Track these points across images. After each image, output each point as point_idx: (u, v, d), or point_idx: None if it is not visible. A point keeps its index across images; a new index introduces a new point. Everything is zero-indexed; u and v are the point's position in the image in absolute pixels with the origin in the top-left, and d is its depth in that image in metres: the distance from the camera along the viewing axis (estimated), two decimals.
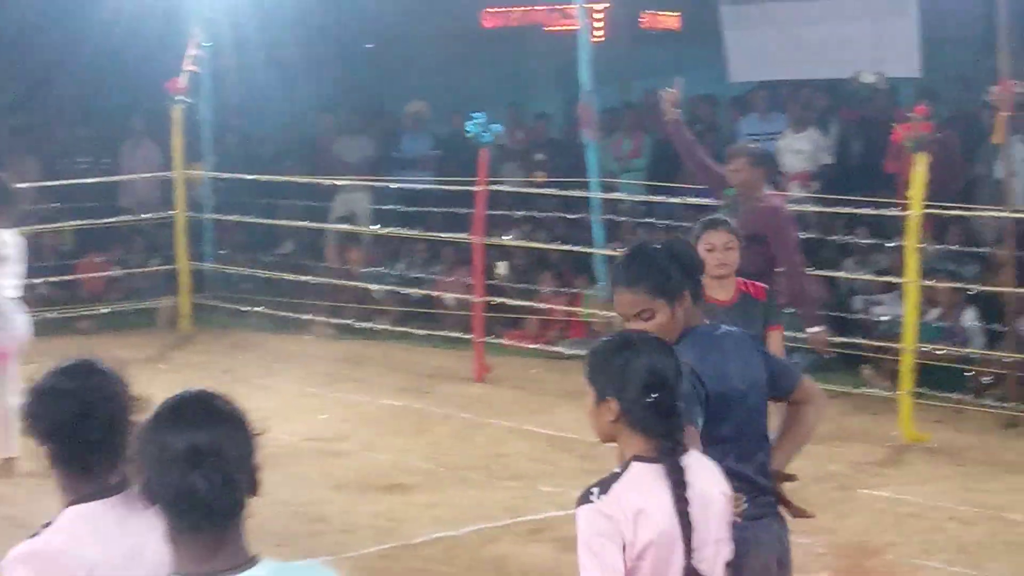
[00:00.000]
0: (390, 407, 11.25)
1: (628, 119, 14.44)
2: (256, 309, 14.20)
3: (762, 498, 4.11)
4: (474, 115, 11.82)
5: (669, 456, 3.29)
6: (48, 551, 2.97)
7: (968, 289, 11.15)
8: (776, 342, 5.66)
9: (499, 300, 12.68)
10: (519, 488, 9.15)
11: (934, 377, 10.57)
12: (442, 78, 17.73)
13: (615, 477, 3.33)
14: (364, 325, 13.75)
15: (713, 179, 9.11)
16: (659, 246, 3.99)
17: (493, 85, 17.32)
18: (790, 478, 4.40)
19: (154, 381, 9.15)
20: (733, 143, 11.48)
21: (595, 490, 3.31)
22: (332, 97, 17.43)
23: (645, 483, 3.30)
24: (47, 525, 3.01)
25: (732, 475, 3.76)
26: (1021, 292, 10.69)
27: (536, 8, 17.83)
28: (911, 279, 10.00)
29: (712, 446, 3.75)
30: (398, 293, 13.86)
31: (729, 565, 3.73)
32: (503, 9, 18.46)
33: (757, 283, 5.89)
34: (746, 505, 3.84)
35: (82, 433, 2.93)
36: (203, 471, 2.26)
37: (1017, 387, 10.51)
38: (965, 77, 13.50)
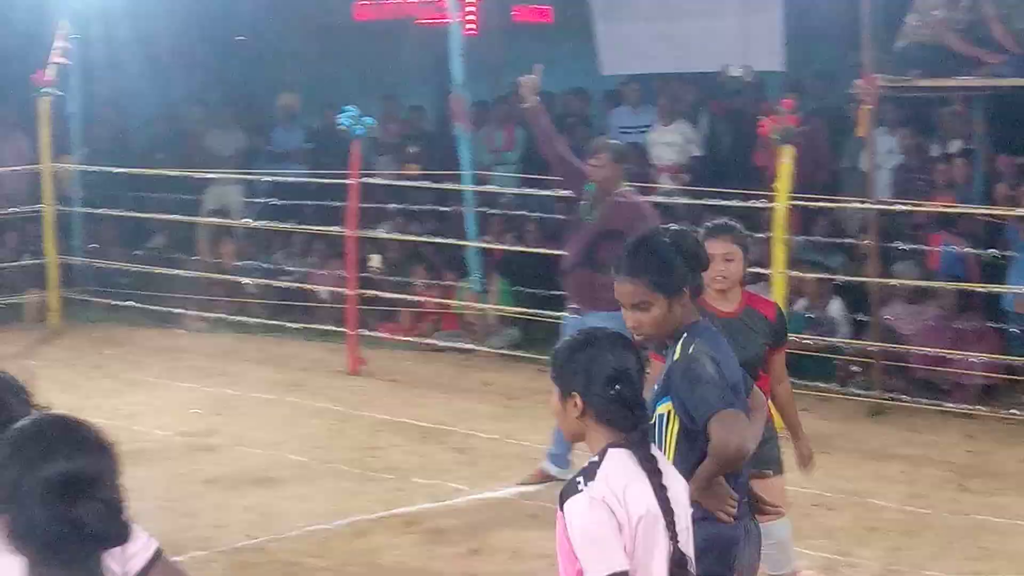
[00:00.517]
0: (263, 400, 10.90)
1: (500, 112, 14.32)
2: (127, 304, 13.72)
3: (745, 497, 4.12)
4: (346, 108, 11.60)
5: (639, 446, 3.29)
6: None
7: (834, 279, 11.23)
8: (779, 364, 5.43)
9: (372, 293, 12.38)
10: (392, 480, 8.93)
11: (801, 366, 10.13)
12: (314, 71, 17.49)
13: (596, 464, 3.28)
14: (236, 319, 13.36)
15: (570, 173, 8.98)
16: (667, 238, 3.96)
17: (366, 78, 16.86)
18: (763, 475, 4.65)
19: (35, 368, 8.52)
20: (605, 136, 11.27)
21: (580, 479, 3.28)
22: (203, 89, 17.09)
23: (625, 465, 3.28)
24: None
25: (731, 475, 3.96)
26: (885, 282, 10.80)
27: (408, 1, 17.18)
28: (779, 270, 10.05)
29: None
30: (271, 287, 13.51)
31: (727, 558, 4.00)
32: (375, 2, 17.66)
33: (767, 300, 5.65)
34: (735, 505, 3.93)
35: None
36: (87, 503, 2.22)
37: (882, 376, 10.61)
38: (830, 72, 13.58)
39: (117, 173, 13.94)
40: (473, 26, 12.96)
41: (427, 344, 12.56)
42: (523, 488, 8.90)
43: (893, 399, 10.29)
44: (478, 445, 9.85)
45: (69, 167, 14.17)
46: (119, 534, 2.31)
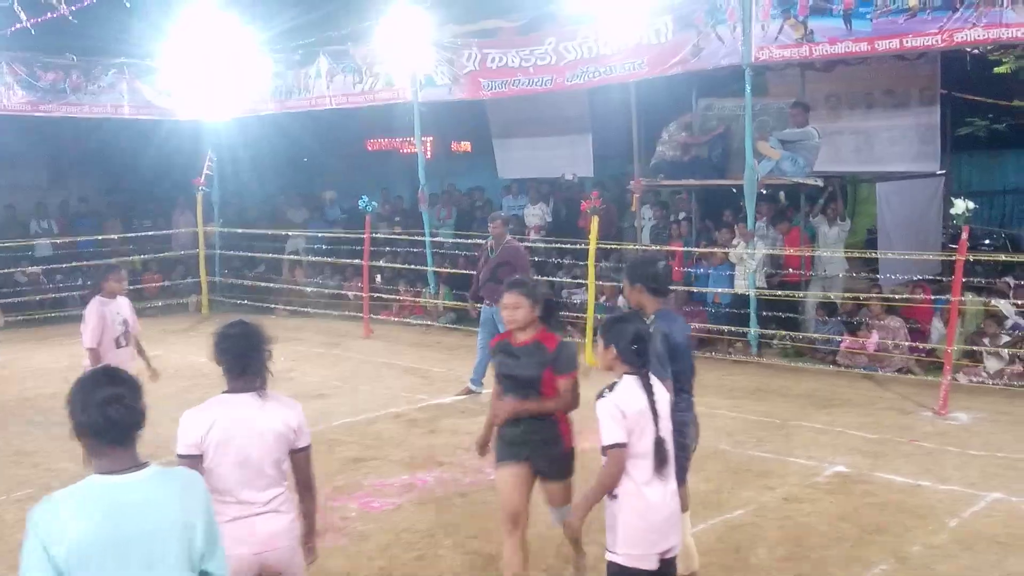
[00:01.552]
0: (318, 353, 13.47)
1: (443, 199, 17.73)
2: (244, 302, 16.75)
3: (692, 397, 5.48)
4: (363, 197, 15.05)
5: (642, 376, 4.39)
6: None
7: (619, 286, 12.80)
8: (563, 386, 5.14)
9: (377, 295, 15.60)
10: (388, 393, 10.89)
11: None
12: (344, 177, 21.28)
13: (616, 384, 4.38)
14: (303, 310, 16.42)
15: (484, 260, 10.88)
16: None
17: (372, 180, 20.09)
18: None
19: (192, 339, 13.55)
20: (499, 210, 14.62)
21: (606, 391, 4.34)
22: (286, 186, 20.82)
23: (631, 386, 4.40)
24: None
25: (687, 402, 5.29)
26: None
27: (395, 140, 20.64)
28: (591, 281, 12.65)
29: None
30: (322, 292, 16.85)
31: (684, 434, 5.17)
32: (378, 140, 21.59)
33: (553, 335, 5.30)
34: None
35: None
36: (116, 407, 2.98)
37: None
38: (617, 175, 16.38)
39: (239, 232, 17.94)
40: (429, 153, 15.93)
41: (406, 322, 15.45)
42: (457, 397, 10.69)
43: None
44: (435, 374, 11.94)
45: (214, 229, 17.96)
46: (130, 429, 3.04)
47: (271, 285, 17.46)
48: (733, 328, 12.63)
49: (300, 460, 4.35)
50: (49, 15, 12.92)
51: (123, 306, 8.55)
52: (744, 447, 8.76)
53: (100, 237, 17.77)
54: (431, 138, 16.18)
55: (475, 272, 11.36)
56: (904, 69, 13.32)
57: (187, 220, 18.28)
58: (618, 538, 4.40)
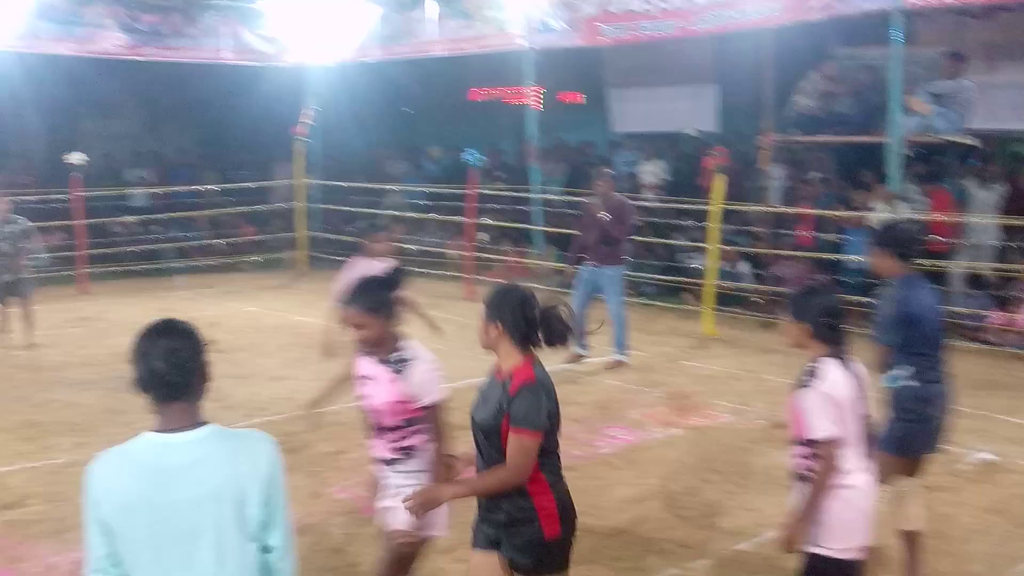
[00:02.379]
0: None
1: (553, 154, 17.64)
2: (340, 258, 14.69)
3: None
4: (468, 150, 15.21)
5: (844, 357, 4.33)
6: None
7: (743, 251, 13.89)
8: (511, 446, 3.91)
9: (481, 254, 15.74)
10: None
11: (723, 299, 13.06)
12: (448, 129, 21.00)
13: (813, 368, 4.30)
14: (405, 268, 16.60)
15: (589, 218, 11.13)
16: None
17: (478, 133, 19.53)
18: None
19: (288, 296, 13.42)
20: (608, 167, 13.68)
21: (806, 378, 4.29)
22: (386, 139, 20.93)
23: (834, 369, 4.29)
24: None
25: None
26: (773, 252, 13.46)
27: (502, 88, 20.15)
28: (713, 244, 12.83)
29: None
30: (424, 250, 16.67)
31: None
32: (482, 89, 21.31)
33: (530, 371, 3.96)
34: None
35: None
36: (165, 361, 2.96)
37: (769, 304, 12.59)
38: (744, 131, 15.62)
39: (337, 185, 17.91)
40: (538, 104, 15.70)
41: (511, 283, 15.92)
42: (566, 365, 10.42)
43: (775, 318, 11.15)
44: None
45: (311, 181, 18.12)
46: (184, 385, 3.00)
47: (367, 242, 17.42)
48: (868, 299, 12.27)
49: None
50: None
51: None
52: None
53: (197, 188, 18.07)
54: (541, 88, 15.59)
55: (581, 226, 11.48)
56: None
57: (284, 173, 18.58)
58: (829, 531, 4.23)
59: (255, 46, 17.59)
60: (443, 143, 20.05)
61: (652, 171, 16.22)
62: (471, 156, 14.93)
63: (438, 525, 4.55)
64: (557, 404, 4.10)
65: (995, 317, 11.68)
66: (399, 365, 4.52)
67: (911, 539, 5.53)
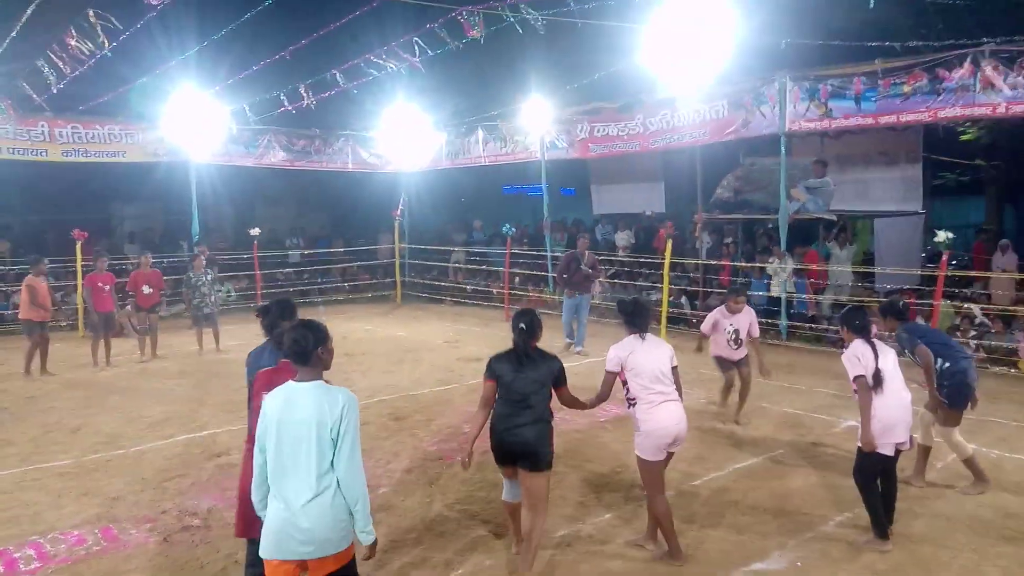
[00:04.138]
0: (473, 330, 13.42)
1: (558, 227, 16.92)
2: (424, 295, 17.10)
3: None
4: (505, 224, 15.41)
5: (865, 337, 4.88)
6: None
7: (684, 289, 13.64)
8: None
9: (512, 292, 15.43)
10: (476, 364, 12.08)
11: (672, 320, 12.60)
12: (491, 210, 21.40)
13: (849, 343, 4.96)
14: (458, 302, 16.46)
15: (570, 263, 11.26)
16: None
17: (510, 212, 20.54)
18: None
19: (389, 319, 13.41)
20: (587, 234, 13.59)
21: (844, 349, 4.94)
22: (451, 217, 20.74)
23: (860, 344, 4.91)
24: None
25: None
26: (705, 290, 13.36)
27: (525, 186, 20.68)
28: (665, 285, 12.60)
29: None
30: (478, 289, 16.51)
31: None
32: (513, 186, 21.66)
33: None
34: None
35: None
36: (296, 340, 3.33)
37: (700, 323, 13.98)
38: (683, 212, 15.59)
39: (420, 248, 18.14)
40: (547, 195, 15.40)
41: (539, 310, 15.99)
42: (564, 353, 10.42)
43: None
44: (553, 344, 9.86)
45: (404, 245, 17.73)
46: (307, 351, 3.30)
47: (442, 283, 17.46)
48: (769, 321, 12.20)
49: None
50: (301, 103, 13.48)
51: (740, 318, 7.49)
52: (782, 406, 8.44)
53: (331, 250, 18.25)
54: (549, 185, 15.54)
55: (562, 263, 11.47)
56: (895, 136, 12.73)
57: (386, 240, 18.54)
58: (864, 431, 4.83)
59: (368, 160, 17.73)
60: (486, 220, 19.92)
61: (623, 238, 16.07)
62: (506, 228, 14.93)
63: None
64: (510, 370, 4.45)
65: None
66: None
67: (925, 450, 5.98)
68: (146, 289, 11.29)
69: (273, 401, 3.30)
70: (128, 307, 12.45)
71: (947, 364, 5.61)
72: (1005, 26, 10.24)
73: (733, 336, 7.45)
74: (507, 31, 10.03)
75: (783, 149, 11.65)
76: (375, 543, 3.35)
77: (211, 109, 14.61)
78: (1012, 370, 9.71)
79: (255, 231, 15.29)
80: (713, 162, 13.98)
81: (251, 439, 3.65)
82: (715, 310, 7.58)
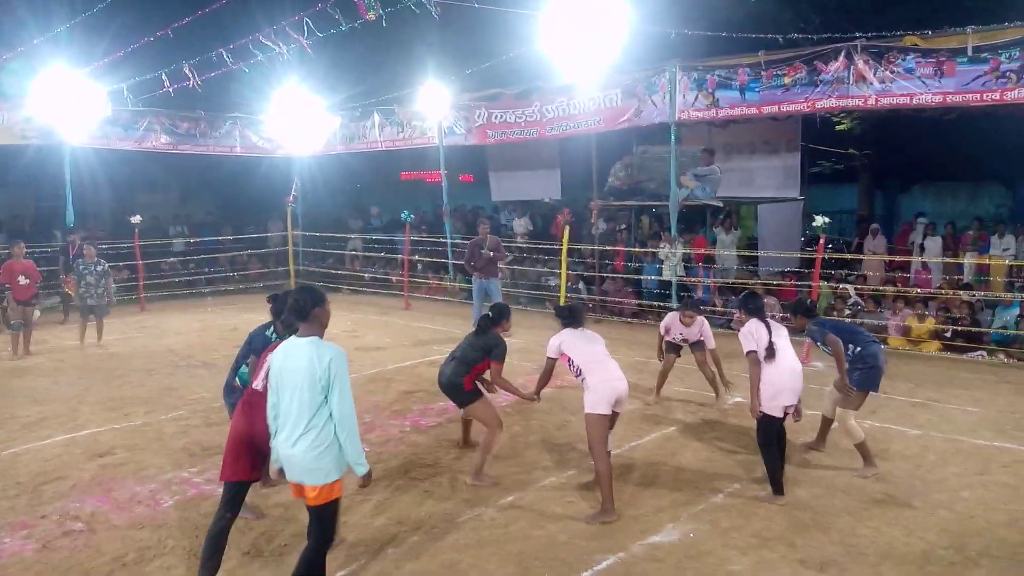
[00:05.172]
0: (370, 320, 13.15)
1: (456, 213, 17.16)
2: (319, 284, 15.80)
3: None
4: (404, 211, 14.93)
5: (761, 318, 5.38)
6: None
7: (581, 274, 13.56)
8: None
9: (413, 279, 15.33)
10: (424, 347, 10.78)
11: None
12: (387, 197, 20.96)
13: (745, 322, 5.42)
14: (354, 289, 16.16)
15: (474, 249, 11.43)
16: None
17: (409, 201, 19.97)
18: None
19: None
20: (488, 220, 13.06)
21: (739, 326, 5.50)
22: (347, 203, 20.43)
23: (755, 323, 5.35)
24: None
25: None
26: (602, 275, 13.43)
27: (423, 172, 20.46)
28: (562, 270, 12.59)
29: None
30: (375, 277, 16.55)
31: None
32: (410, 172, 21.38)
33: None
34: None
35: None
36: (295, 302, 3.80)
37: (596, 307, 12.62)
38: (579, 198, 15.86)
39: (314, 235, 17.51)
40: (446, 181, 15.08)
41: (433, 298, 15.32)
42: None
43: (599, 316, 12.31)
44: (455, 334, 11.27)
45: (297, 233, 17.36)
46: (305, 312, 3.78)
47: (338, 272, 17.16)
48: (660, 304, 12.54)
49: None
50: (185, 83, 12.89)
51: (691, 331, 7.55)
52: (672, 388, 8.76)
53: (218, 238, 17.59)
54: (447, 172, 15.15)
55: (467, 251, 11.56)
56: (776, 126, 13.24)
57: (278, 227, 18.12)
58: (763, 397, 5.21)
59: (258, 144, 17.20)
60: (383, 207, 19.73)
61: (521, 224, 16.15)
62: (405, 215, 14.70)
63: None
64: (460, 347, 5.86)
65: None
66: None
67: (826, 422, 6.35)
68: (22, 280, 10.72)
69: (276, 354, 3.84)
70: (3, 300, 11.75)
71: (858, 348, 5.81)
72: (873, 23, 10.88)
73: (681, 342, 7.73)
74: (403, 13, 9.85)
75: (673, 138, 11.93)
76: (368, 474, 3.82)
77: (85, 89, 13.75)
78: (883, 346, 10.19)
79: (136, 219, 14.57)
80: (608, 150, 14.15)
81: (250, 394, 4.24)
82: (670, 315, 7.71)
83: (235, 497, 4.13)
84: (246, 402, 4.25)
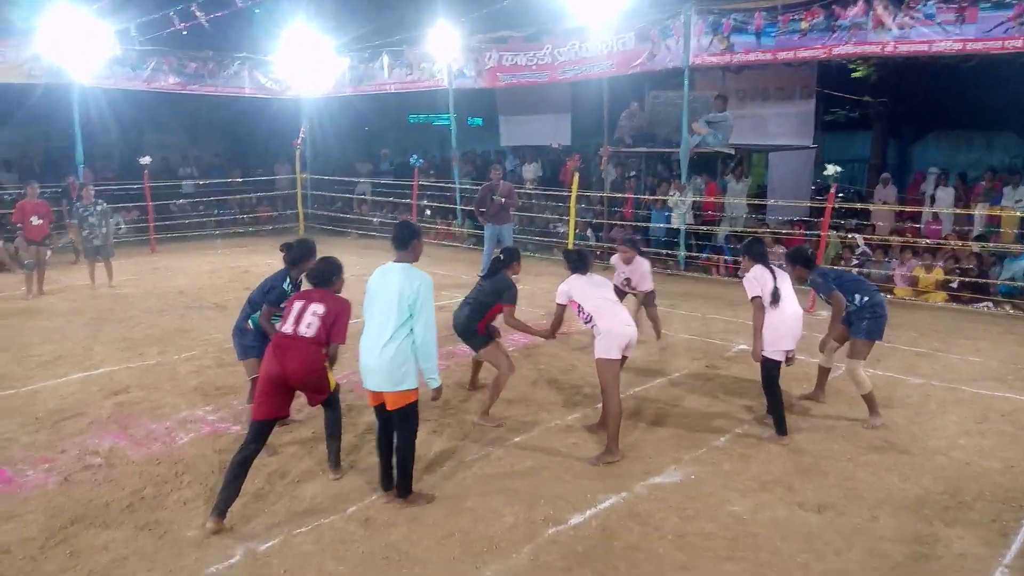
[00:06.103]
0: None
1: (466, 158, 17.21)
2: (328, 227, 16.61)
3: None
4: (413, 155, 15.49)
5: (765, 264, 5.41)
6: None
7: (590, 221, 13.59)
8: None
9: (421, 224, 14.26)
10: (436, 291, 11.74)
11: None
12: (396, 139, 20.90)
13: (751, 268, 5.41)
14: (364, 233, 15.79)
15: (485, 194, 11.51)
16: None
17: (418, 144, 20.00)
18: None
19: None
20: (500, 165, 13.35)
21: (746, 273, 5.44)
22: (356, 147, 20.41)
23: (760, 269, 5.39)
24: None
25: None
26: (611, 222, 13.31)
27: (431, 115, 20.50)
28: (571, 217, 12.76)
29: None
30: (384, 222, 15.77)
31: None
32: (419, 116, 21.34)
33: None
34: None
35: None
36: (400, 228, 4.42)
37: (605, 255, 12.12)
38: (590, 143, 15.72)
39: (322, 178, 17.65)
40: (455, 125, 15.28)
41: (442, 244, 15.07)
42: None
43: (606, 264, 10.83)
44: (464, 280, 11.42)
45: (305, 176, 17.08)
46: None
47: (347, 216, 17.12)
48: (669, 252, 12.52)
49: None
50: (194, 22, 12.79)
51: (632, 269, 7.71)
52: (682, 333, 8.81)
53: (227, 180, 17.52)
54: (457, 115, 15.25)
55: (479, 196, 11.51)
56: (791, 72, 13.08)
57: (286, 170, 18.08)
58: (765, 341, 5.29)
59: (267, 85, 17.07)
60: (392, 150, 19.62)
61: (530, 170, 16.04)
62: (414, 159, 14.67)
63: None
64: (473, 292, 5.94)
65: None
66: None
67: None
68: (35, 220, 10.74)
69: (374, 276, 4.33)
70: (16, 240, 11.81)
71: (865, 298, 5.74)
72: None
73: (625, 283, 7.75)
74: None
75: (687, 83, 11.77)
76: (440, 388, 4.37)
77: (93, 28, 13.62)
78: (888, 295, 10.28)
79: (145, 160, 14.53)
80: (619, 95, 14.01)
81: (280, 337, 4.41)
82: (616, 255, 7.81)
83: (262, 431, 4.36)
84: (276, 345, 4.38)
